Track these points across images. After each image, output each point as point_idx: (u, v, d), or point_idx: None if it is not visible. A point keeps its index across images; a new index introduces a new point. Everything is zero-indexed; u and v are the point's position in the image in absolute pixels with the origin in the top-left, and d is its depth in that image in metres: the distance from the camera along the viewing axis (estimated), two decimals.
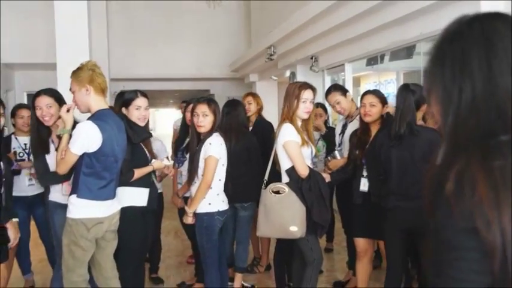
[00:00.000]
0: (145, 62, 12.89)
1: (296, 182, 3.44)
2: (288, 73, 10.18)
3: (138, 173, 3.49)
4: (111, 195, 3.17)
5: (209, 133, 3.57)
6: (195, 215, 3.60)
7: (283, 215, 3.39)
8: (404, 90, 3.38)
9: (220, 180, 3.61)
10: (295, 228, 3.36)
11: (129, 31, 12.83)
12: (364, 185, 3.74)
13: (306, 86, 3.54)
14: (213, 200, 3.56)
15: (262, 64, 10.55)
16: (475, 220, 0.90)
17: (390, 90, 8.70)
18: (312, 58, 8.20)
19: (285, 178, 3.51)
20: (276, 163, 3.63)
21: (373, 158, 3.59)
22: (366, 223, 3.72)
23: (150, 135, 3.78)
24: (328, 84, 8.17)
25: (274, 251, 4.27)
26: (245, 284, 4.53)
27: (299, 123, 3.52)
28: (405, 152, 3.28)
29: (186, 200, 4.01)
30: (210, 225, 3.57)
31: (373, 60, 6.87)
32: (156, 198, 3.79)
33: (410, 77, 8.53)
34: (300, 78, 9.22)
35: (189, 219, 3.61)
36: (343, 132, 4.44)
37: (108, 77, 5.50)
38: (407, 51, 5.96)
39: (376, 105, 3.75)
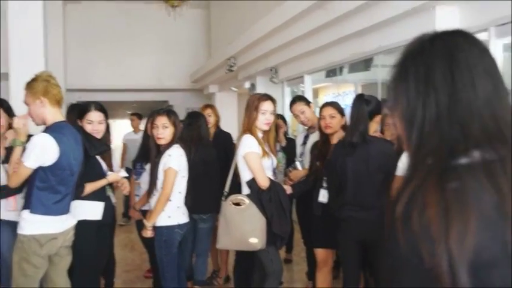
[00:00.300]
0: (103, 72, 12.62)
1: (256, 194, 3.42)
2: (247, 84, 10.20)
3: (91, 187, 3.41)
4: (66, 210, 3.07)
5: (169, 145, 3.51)
6: (154, 228, 3.51)
7: (243, 226, 3.36)
8: (358, 100, 3.43)
9: (180, 192, 3.55)
10: (256, 240, 3.33)
11: (88, 40, 12.51)
12: (323, 196, 3.75)
13: (266, 97, 3.53)
14: (172, 213, 3.50)
15: (222, 75, 10.53)
16: (419, 244, 0.89)
17: (348, 102, 8.86)
18: (271, 70, 8.23)
19: (246, 190, 3.48)
20: (236, 175, 3.59)
21: (332, 169, 3.60)
22: (326, 233, 3.72)
23: (108, 147, 3.69)
24: (288, 96, 8.24)
25: (234, 263, 4.23)
26: None
27: (259, 134, 3.50)
28: (360, 163, 3.31)
29: (145, 212, 3.92)
30: (169, 238, 3.49)
31: (332, 72, 6.95)
32: (111, 212, 3.70)
33: (368, 89, 8.69)
34: (259, 89, 9.24)
35: (148, 233, 3.52)
36: (304, 143, 4.46)
37: (64, 88, 5.31)
38: (366, 63, 6.06)
39: (336, 117, 3.79)
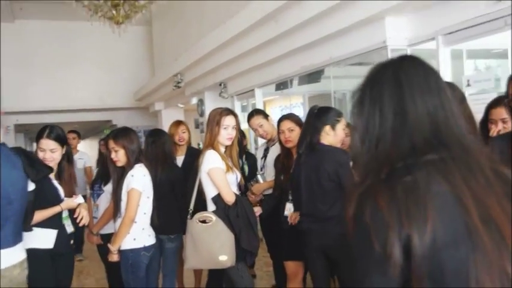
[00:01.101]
0: (42, 92, 12.13)
1: (223, 210, 3.35)
2: (195, 100, 10.11)
3: (41, 215, 3.19)
4: (8, 243, 2.71)
5: (130, 165, 3.39)
6: (120, 251, 3.37)
7: (211, 244, 3.28)
8: (310, 110, 3.50)
9: (145, 213, 3.42)
10: (225, 258, 3.26)
11: (24, 60, 12.02)
12: (289, 209, 3.74)
13: (227, 112, 3.49)
14: (138, 235, 3.36)
15: (169, 92, 10.40)
16: (372, 235, 1.04)
17: (298, 113, 8.97)
18: (220, 84, 8.20)
19: (211, 206, 3.41)
20: (201, 192, 3.51)
21: (297, 183, 3.60)
22: (294, 246, 3.69)
23: (51, 170, 3.45)
24: (238, 110, 8.21)
25: (207, 279, 4.18)
26: None
27: (222, 149, 3.45)
28: (311, 173, 3.33)
29: (104, 236, 3.77)
30: (135, 261, 3.36)
31: (282, 84, 7.00)
32: (67, 241, 3.51)
33: (317, 100, 8.83)
34: (208, 105, 9.19)
35: (114, 257, 3.37)
36: (265, 156, 4.44)
37: None
38: (315, 75, 6.14)
39: (294, 129, 3.80)
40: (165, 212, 3.67)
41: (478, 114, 3.97)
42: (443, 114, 1.15)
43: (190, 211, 3.45)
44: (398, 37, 4.49)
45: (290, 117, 3.93)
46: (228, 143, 3.45)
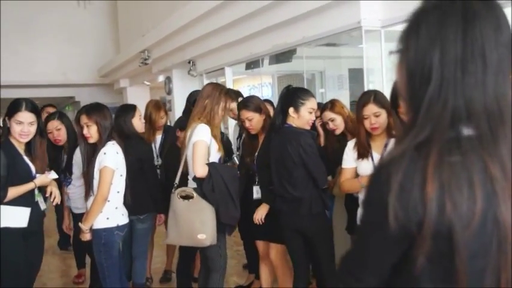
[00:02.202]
0: (2, 66, 11.68)
1: (200, 186, 3.30)
2: (161, 78, 9.95)
3: (15, 191, 3.13)
4: None
5: (102, 142, 3.29)
6: (92, 230, 3.29)
7: (191, 221, 3.22)
8: (282, 90, 3.48)
9: (118, 192, 3.34)
10: (204, 236, 3.21)
11: None
12: (257, 192, 3.72)
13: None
14: (111, 214, 3.29)
15: (135, 69, 10.19)
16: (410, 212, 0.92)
17: (265, 93, 8.92)
18: (189, 62, 8.07)
19: (193, 183, 3.36)
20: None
21: (262, 165, 3.57)
22: (265, 226, 3.68)
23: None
24: None
25: (178, 261, 4.16)
26: None
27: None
28: (278, 155, 3.34)
29: (81, 217, 3.68)
30: (108, 241, 3.29)
31: (253, 63, 6.94)
32: (40, 219, 3.42)
33: (286, 80, 8.82)
34: (176, 82, 9.06)
35: (86, 236, 3.29)
36: (240, 136, 4.38)
37: None
38: (288, 54, 6.10)
39: (254, 117, 3.69)
40: (133, 191, 3.53)
41: None
42: (503, 82, 0.96)
43: (175, 185, 3.37)
44: (372, 18, 4.49)
45: (246, 106, 3.70)
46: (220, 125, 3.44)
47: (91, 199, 3.27)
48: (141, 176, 3.93)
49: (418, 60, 0.97)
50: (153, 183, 4.03)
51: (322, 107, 3.87)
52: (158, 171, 4.68)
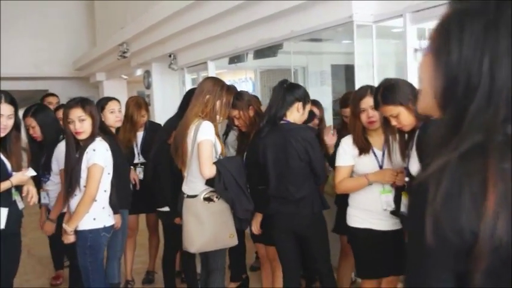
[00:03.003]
0: None
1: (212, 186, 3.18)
2: (139, 72, 9.71)
3: None
4: None
5: (93, 138, 3.11)
6: (76, 232, 3.12)
7: (220, 223, 3.15)
8: (278, 85, 3.33)
9: (105, 191, 3.18)
10: (233, 236, 3.17)
11: None
12: None
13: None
14: (98, 214, 3.13)
15: (112, 62, 9.93)
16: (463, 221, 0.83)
17: (246, 89, 8.77)
18: (170, 56, 7.87)
19: (200, 183, 3.21)
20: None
21: (253, 164, 3.43)
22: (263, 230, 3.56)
23: None
24: (188, 83, 7.94)
25: (182, 263, 4.12)
26: None
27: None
28: (279, 153, 3.20)
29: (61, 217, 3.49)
30: (95, 243, 3.13)
31: (236, 58, 6.78)
32: (18, 219, 3.23)
33: (268, 76, 8.70)
34: (155, 77, 8.85)
35: (71, 238, 3.12)
36: (226, 133, 4.25)
37: None
38: (273, 49, 5.96)
39: (241, 117, 3.59)
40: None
41: None
42: None
43: (184, 195, 3.24)
44: (364, 13, 4.40)
45: (233, 105, 3.51)
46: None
47: (76, 198, 3.09)
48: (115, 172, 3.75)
49: (463, 68, 0.90)
50: (123, 180, 3.85)
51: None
52: (140, 169, 4.53)
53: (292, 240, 3.30)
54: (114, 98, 4.25)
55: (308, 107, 3.34)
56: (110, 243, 3.83)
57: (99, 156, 3.08)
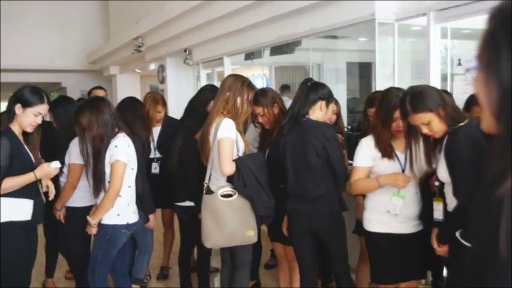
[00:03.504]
0: None
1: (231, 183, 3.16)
2: (153, 66, 9.71)
3: (13, 182, 2.91)
4: None
5: (111, 135, 3.11)
6: (99, 225, 3.12)
7: (238, 220, 3.12)
8: (303, 83, 3.30)
9: (130, 187, 3.17)
10: (252, 232, 3.12)
11: None
12: None
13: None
14: (122, 210, 3.12)
15: (126, 56, 9.93)
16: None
17: (259, 86, 8.74)
18: (185, 51, 7.85)
19: (218, 178, 3.21)
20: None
21: (274, 162, 3.40)
22: (280, 229, 3.53)
23: None
24: (203, 78, 7.91)
25: (197, 260, 4.09)
26: None
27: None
28: (298, 149, 3.17)
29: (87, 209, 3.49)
30: (114, 238, 3.13)
31: (252, 54, 6.75)
32: (42, 212, 3.23)
33: (284, 72, 8.67)
34: (170, 71, 8.84)
35: (93, 230, 3.13)
36: (244, 131, 4.22)
37: None
38: (291, 46, 5.93)
39: (265, 114, 3.58)
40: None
41: (466, 95, 3.95)
42: None
43: (206, 184, 3.22)
44: (387, 12, 4.35)
45: (258, 102, 3.54)
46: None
47: (102, 193, 3.09)
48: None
49: None
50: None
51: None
52: (156, 164, 4.52)
53: (309, 240, 3.26)
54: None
55: (332, 106, 3.32)
56: (142, 239, 3.88)
57: (121, 152, 3.07)
